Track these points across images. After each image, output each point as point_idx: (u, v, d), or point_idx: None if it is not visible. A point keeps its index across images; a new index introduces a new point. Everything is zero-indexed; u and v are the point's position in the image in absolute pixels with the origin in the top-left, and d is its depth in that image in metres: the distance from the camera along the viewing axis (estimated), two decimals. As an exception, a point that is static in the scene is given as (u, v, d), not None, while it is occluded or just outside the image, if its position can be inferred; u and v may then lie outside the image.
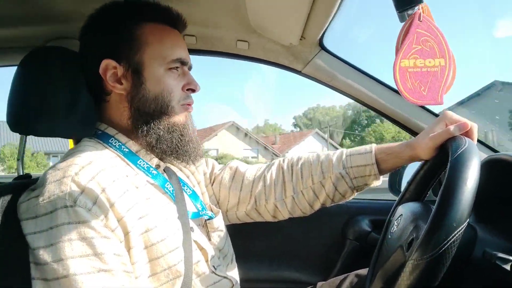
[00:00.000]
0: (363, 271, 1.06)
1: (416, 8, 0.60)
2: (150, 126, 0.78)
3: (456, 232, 0.53)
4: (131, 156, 0.78)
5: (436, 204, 0.57)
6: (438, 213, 0.55)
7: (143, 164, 0.78)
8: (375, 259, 0.84)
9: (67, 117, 0.75)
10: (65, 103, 0.75)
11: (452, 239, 0.53)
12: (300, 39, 1.07)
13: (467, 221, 0.55)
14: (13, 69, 1.00)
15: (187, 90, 0.83)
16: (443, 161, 0.79)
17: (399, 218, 0.75)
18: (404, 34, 0.64)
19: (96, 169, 0.67)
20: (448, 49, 0.64)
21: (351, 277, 1.05)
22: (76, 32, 1.06)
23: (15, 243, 0.63)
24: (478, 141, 1.02)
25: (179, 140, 0.80)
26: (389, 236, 0.76)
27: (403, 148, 0.87)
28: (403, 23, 0.64)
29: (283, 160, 1.01)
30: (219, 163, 1.07)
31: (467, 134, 0.75)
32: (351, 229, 1.36)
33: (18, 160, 0.87)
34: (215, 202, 0.99)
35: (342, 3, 0.83)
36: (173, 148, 0.80)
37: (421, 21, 0.62)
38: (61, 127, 0.76)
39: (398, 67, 0.63)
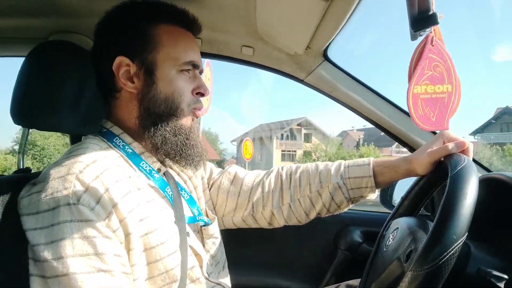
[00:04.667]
0: (354, 282, 1.06)
1: (429, 29, 0.61)
2: (157, 127, 0.78)
3: (455, 244, 0.54)
4: (134, 158, 0.77)
5: (437, 216, 0.58)
6: (439, 225, 0.56)
7: (146, 167, 0.78)
8: (367, 272, 0.85)
9: (71, 113, 0.74)
10: (70, 98, 0.74)
11: (452, 252, 0.54)
12: (306, 49, 1.08)
13: (466, 235, 0.56)
14: (16, 60, 0.99)
15: (197, 94, 0.83)
16: (439, 178, 0.81)
17: (395, 232, 0.76)
18: (417, 59, 0.64)
19: (101, 168, 0.66)
20: (455, 75, 0.66)
21: (342, 287, 1.06)
22: (81, 26, 1.07)
23: (15, 238, 0.61)
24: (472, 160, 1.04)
25: (184, 143, 0.80)
26: (384, 249, 0.77)
27: (400, 162, 0.89)
28: (416, 47, 0.64)
29: (282, 168, 1.01)
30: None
31: (464, 152, 0.77)
32: (342, 240, 1.37)
33: (19, 153, 0.86)
34: (212, 207, 0.99)
35: (352, 17, 0.84)
36: (177, 151, 0.79)
37: (433, 45, 0.64)
38: (65, 122, 0.75)
39: (411, 94, 0.65)
